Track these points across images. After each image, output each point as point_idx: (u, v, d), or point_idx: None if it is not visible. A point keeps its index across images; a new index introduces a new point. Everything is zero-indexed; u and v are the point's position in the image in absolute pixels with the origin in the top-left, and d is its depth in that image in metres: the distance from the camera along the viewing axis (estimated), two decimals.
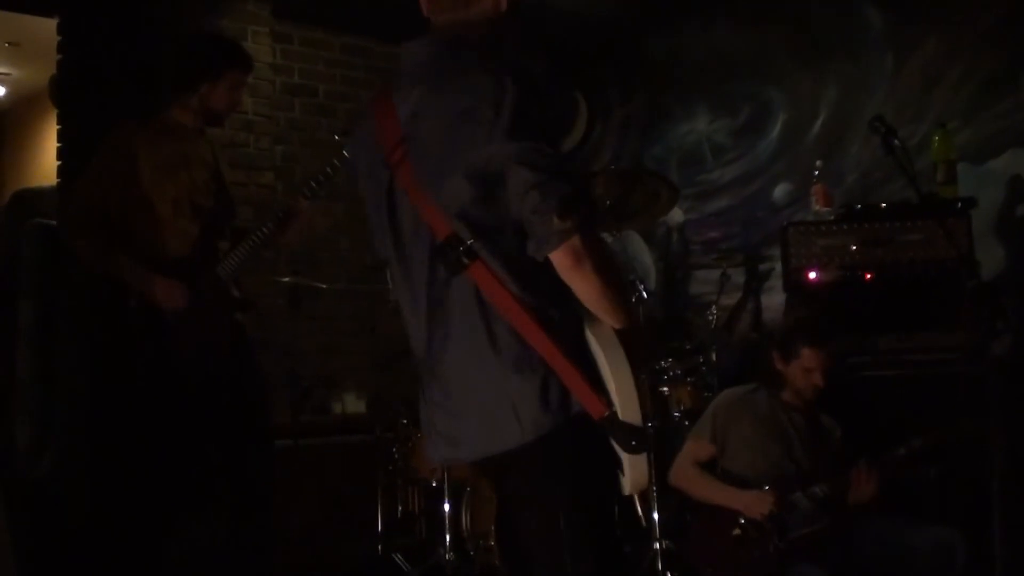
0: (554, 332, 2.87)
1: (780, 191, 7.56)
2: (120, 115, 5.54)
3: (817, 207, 6.27)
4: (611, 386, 2.88)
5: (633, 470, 2.91)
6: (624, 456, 2.89)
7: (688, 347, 6.62)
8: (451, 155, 2.89)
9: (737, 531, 4.98)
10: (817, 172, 6.38)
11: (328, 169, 5.32)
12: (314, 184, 5.36)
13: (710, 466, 5.25)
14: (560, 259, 2.81)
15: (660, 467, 5.43)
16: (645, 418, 2.89)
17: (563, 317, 2.94)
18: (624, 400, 2.85)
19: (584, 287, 2.86)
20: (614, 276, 2.90)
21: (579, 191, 2.84)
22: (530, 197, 2.79)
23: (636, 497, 3.09)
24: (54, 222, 6.37)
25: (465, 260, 2.89)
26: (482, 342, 2.94)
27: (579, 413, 2.90)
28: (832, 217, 6.12)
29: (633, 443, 2.85)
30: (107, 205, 5.10)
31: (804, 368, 5.14)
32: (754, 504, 4.96)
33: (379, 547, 6.65)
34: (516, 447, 2.93)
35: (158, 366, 5.06)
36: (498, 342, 2.92)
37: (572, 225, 2.77)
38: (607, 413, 2.84)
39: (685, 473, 5.28)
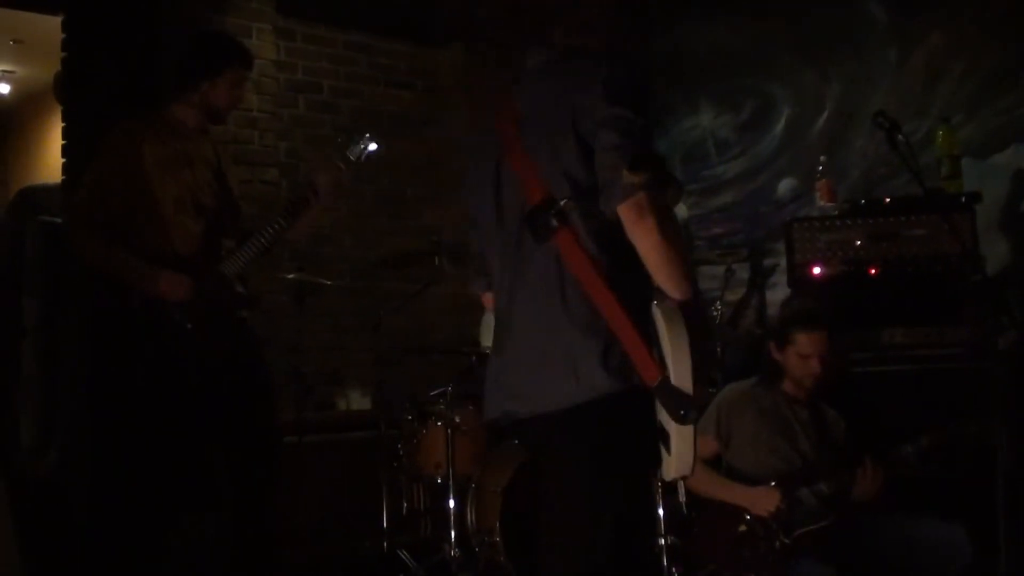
0: (622, 296, 3.05)
1: (784, 186, 7.56)
2: (124, 112, 5.55)
3: (821, 202, 6.27)
4: (668, 355, 2.98)
5: (679, 445, 2.98)
6: (672, 429, 2.98)
7: None
8: (562, 122, 3.20)
9: (742, 527, 4.98)
10: (821, 167, 6.38)
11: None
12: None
13: (715, 462, 5.25)
14: (625, 212, 3.03)
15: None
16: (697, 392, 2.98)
17: (633, 283, 3.11)
18: (678, 369, 2.94)
19: (646, 244, 3.03)
20: (676, 240, 3.05)
21: (655, 156, 3.07)
22: (609, 155, 3.07)
23: (681, 485, 3.13)
24: (59, 220, 6.38)
25: (554, 223, 3.14)
26: (555, 303, 3.20)
27: (634, 386, 3.06)
28: (836, 212, 6.13)
29: (682, 412, 2.94)
30: (110, 203, 5.10)
31: (799, 355, 5.13)
32: (759, 501, 4.96)
33: (384, 544, 6.65)
34: (569, 406, 3.15)
35: (162, 364, 5.07)
36: (569, 305, 3.17)
37: (640, 181, 2.99)
38: (660, 378, 2.95)
39: None
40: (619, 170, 3.01)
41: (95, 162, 5.20)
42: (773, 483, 4.97)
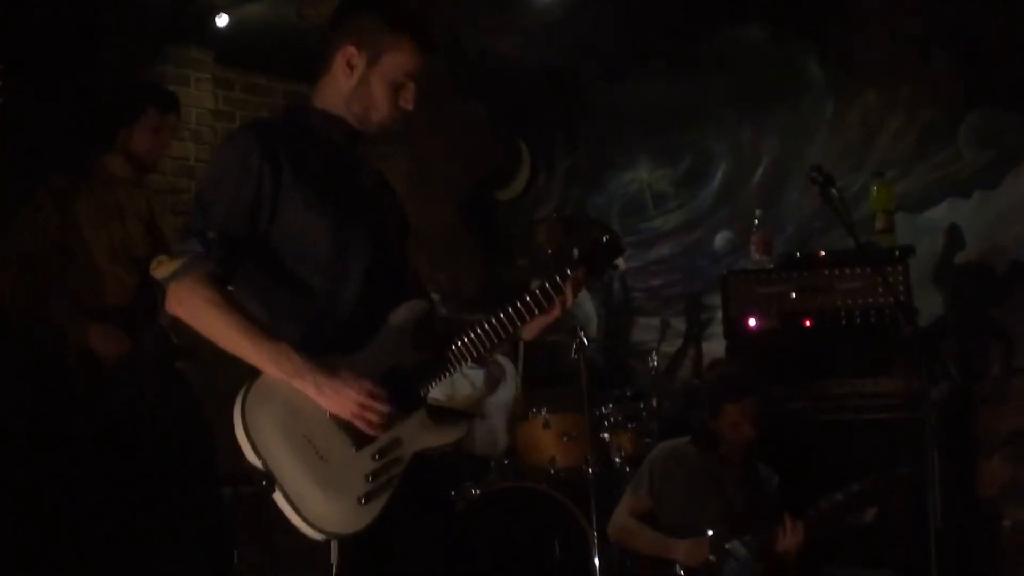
0: None
1: (721, 239, 7.59)
2: (59, 164, 5.52)
3: (756, 255, 6.31)
4: None
5: (288, 513, 2.93)
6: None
7: (629, 394, 6.62)
8: None
9: None
10: (757, 221, 6.43)
11: None
12: None
13: (650, 518, 5.25)
14: None
15: (601, 514, 5.42)
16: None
17: None
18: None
19: None
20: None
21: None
22: None
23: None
24: None
25: None
26: None
27: None
28: (771, 265, 6.17)
29: (263, 483, 2.93)
30: (43, 257, 5.07)
31: (731, 423, 5.18)
32: (690, 552, 4.98)
33: None
34: None
35: (99, 420, 5.02)
36: None
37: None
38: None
39: (622, 525, 5.29)
40: None
41: (27, 216, 5.17)
42: (703, 535, 4.98)
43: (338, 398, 2.96)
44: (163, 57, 7.31)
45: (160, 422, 5.13)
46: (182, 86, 7.00)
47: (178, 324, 5.14)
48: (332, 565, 3.00)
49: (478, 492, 5.81)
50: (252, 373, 3.03)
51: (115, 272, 5.16)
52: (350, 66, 3.24)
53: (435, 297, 3.48)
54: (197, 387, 5.53)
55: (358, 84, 3.25)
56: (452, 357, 3.24)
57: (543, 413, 6.23)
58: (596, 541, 5.40)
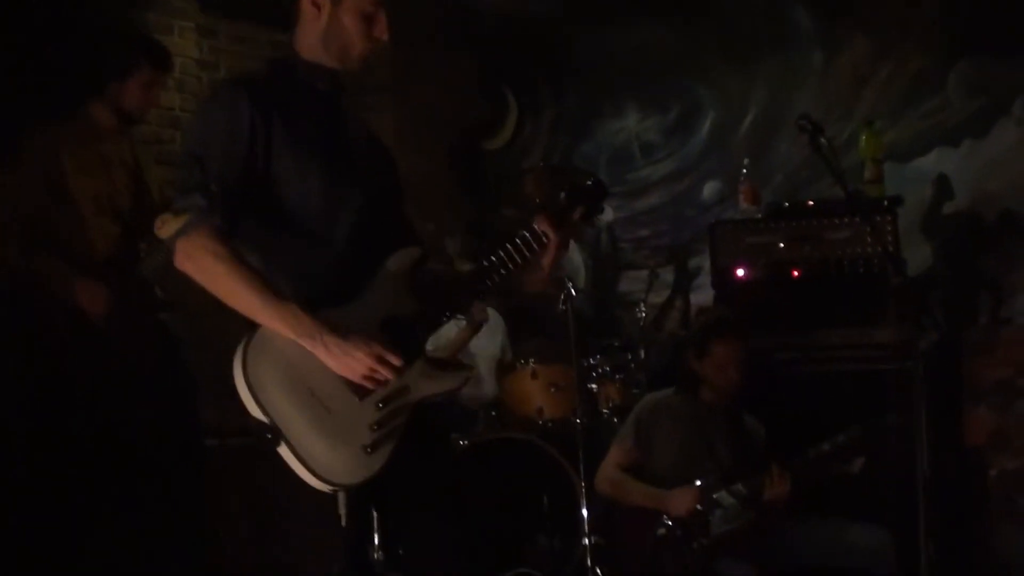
0: None
1: (709, 189, 7.57)
2: (40, 113, 5.47)
3: (744, 205, 6.28)
4: None
5: (294, 465, 2.91)
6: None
7: (617, 344, 6.63)
8: None
9: (662, 530, 5.00)
10: (744, 170, 6.40)
11: None
12: None
13: (637, 470, 5.25)
14: None
15: (589, 464, 5.43)
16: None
17: None
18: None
19: None
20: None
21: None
22: None
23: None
24: None
25: None
26: None
27: None
28: (759, 215, 6.15)
29: (268, 436, 2.90)
30: (29, 205, 5.03)
31: (717, 364, 5.17)
32: (678, 503, 4.98)
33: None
34: None
35: (86, 377, 5.00)
36: None
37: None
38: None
39: (609, 478, 5.29)
40: None
41: (12, 168, 5.12)
42: (691, 485, 4.98)
43: (348, 360, 2.95)
44: (145, 5, 7.24)
45: (141, 375, 5.11)
46: (165, 34, 6.93)
47: (162, 276, 5.16)
48: (341, 516, 2.99)
49: (466, 443, 5.82)
50: (239, 325, 3.01)
51: (100, 224, 5.13)
52: (316, 6, 3.23)
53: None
54: (181, 340, 5.52)
55: (329, 24, 3.24)
56: (448, 304, 3.29)
57: (531, 364, 6.24)
58: (584, 492, 5.41)
